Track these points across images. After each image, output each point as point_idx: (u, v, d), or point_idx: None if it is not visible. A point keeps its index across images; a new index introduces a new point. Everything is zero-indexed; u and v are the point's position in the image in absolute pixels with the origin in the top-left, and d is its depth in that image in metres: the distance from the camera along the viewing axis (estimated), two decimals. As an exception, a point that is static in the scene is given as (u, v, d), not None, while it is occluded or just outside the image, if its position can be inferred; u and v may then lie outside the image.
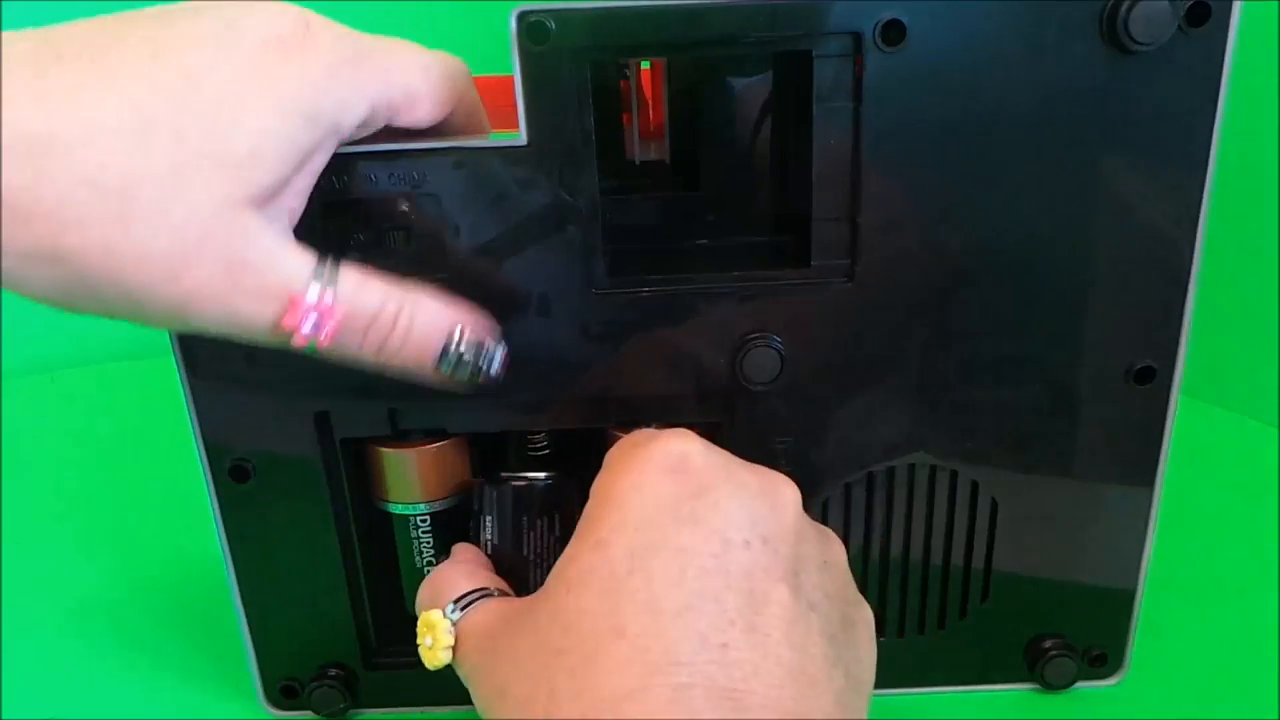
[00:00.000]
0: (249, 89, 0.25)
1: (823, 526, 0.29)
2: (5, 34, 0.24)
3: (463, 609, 0.30)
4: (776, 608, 0.24)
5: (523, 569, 0.35)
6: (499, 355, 0.31)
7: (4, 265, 0.24)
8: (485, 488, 0.35)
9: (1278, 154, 0.57)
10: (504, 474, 0.35)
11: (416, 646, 0.39)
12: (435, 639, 0.30)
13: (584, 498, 0.32)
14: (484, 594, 0.30)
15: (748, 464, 0.28)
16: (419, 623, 0.31)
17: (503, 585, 0.32)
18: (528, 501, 0.35)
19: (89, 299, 0.26)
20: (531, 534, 0.35)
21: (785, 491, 0.27)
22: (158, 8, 0.27)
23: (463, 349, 0.30)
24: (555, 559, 0.35)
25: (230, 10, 0.26)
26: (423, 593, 0.32)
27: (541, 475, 0.35)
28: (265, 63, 0.26)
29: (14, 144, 0.23)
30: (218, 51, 0.25)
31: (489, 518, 0.35)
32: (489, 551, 0.35)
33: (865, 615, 0.29)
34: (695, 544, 0.25)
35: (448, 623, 0.30)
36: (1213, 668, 0.41)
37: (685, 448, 0.27)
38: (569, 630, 0.25)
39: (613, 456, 0.28)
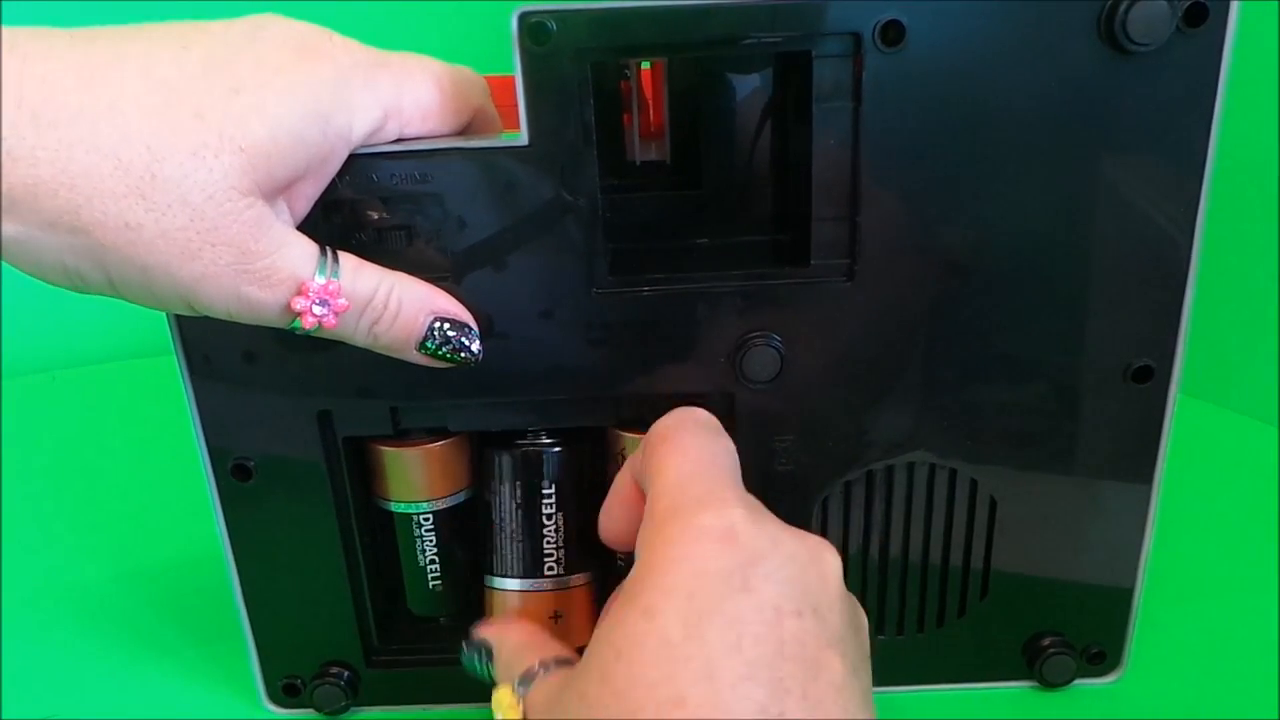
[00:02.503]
0: (269, 82, 0.27)
1: (847, 592, 0.28)
2: (48, 29, 0.26)
3: (528, 683, 0.30)
4: (829, 674, 0.24)
5: (535, 535, 0.36)
6: (477, 336, 0.32)
7: (24, 234, 0.25)
8: (497, 454, 0.36)
9: (1278, 153, 0.58)
10: (517, 441, 0.36)
11: (417, 644, 0.40)
12: (505, 716, 0.30)
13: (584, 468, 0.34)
14: (544, 667, 0.31)
15: (789, 529, 0.27)
16: (493, 698, 0.32)
17: (566, 653, 0.32)
18: (538, 467, 0.35)
19: (99, 276, 0.26)
20: (543, 500, 0.36)
21: (829, 560, 0.27)
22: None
23: (446, 329, 0.31)
24: (565, 526, 0.35)
25: (260, 19, 0.28)
26: (497, 661, 0.33)
27: (549, 442, 0.36)
28: (286, 61, 0.27)
29: (43, 113, 0.24)
30: (243, 47, 0.27)
31: (504, 485, 0.36)
32: (501, 519, 0.35)
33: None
34: (749, 612, 0.24)
35: (515, 698, 0.30)
36: (1211, 666, 0.41)
37: (733, 518, 0.26)
38: (622, 698, 0.24)
39: (659, 515, 0.27)
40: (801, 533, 0.27)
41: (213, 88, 0.26)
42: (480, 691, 0.39)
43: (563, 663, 0.31)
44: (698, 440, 0.29)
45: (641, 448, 0.30)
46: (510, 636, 0.34)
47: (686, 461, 0.28)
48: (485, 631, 0.35)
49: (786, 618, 0.24)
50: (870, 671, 0.27)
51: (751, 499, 0.28)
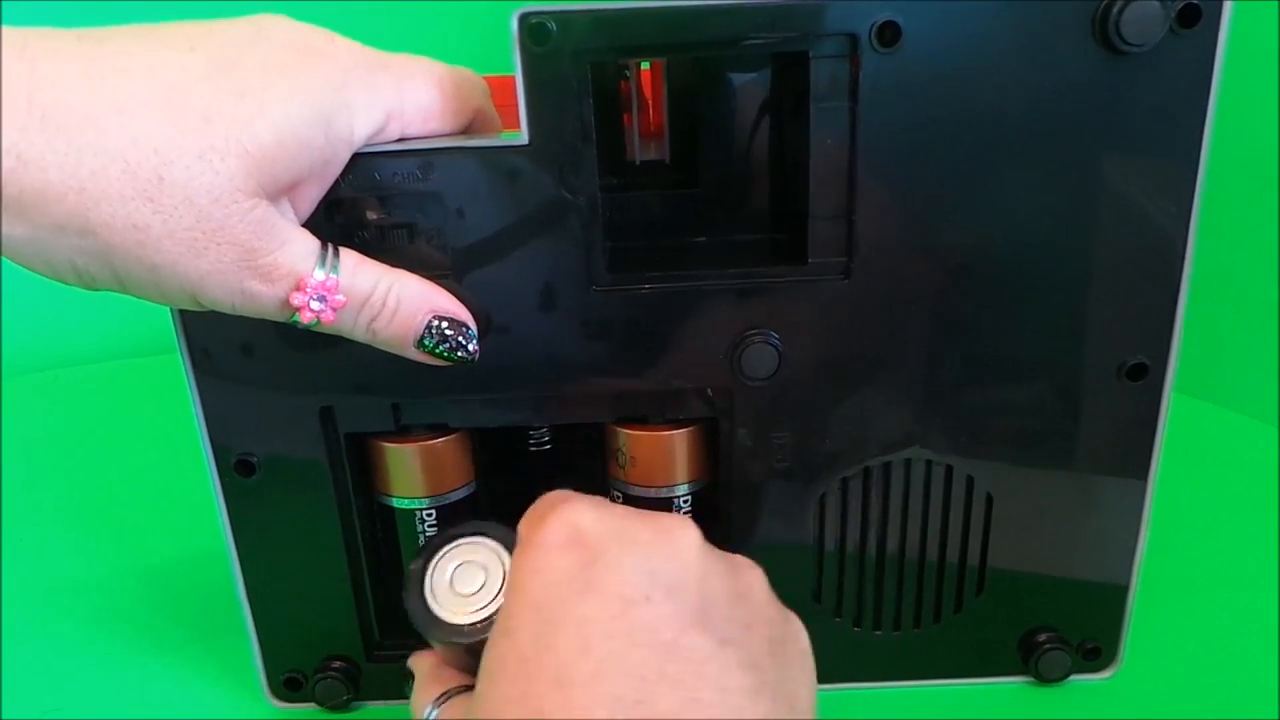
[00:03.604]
0: (274, 84, 0.27)
1: (734, 556, 0.28)
2: (54, 29, 0.26)
3: (437, 706, 0.31)
4: (687, 653, 0.24)
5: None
6: (475, 335, 0.32)
7: (34, 236, 0.25)
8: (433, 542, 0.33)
9: (1277, 152, 0.58)
10: (451, 532, 0.33)
11: (418, 639, 0.40)
12: None
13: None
14: (446, 697, 0.32)
15: (645, 515, 0.27)
16: None
17: (470, 681, 0.31)
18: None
19: (108, 274, 0.27)
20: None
21: (681, 535, 0.26)
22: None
23: (444, 328, 0.31)
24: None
25: (262, 19, 0.28)
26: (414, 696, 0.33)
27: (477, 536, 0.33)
28: (289, 62, 0.27)
29: (52, 115, 0.25)
30: (247, 49, 0.27)
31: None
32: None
33: (794, 630, 0.28)
34: (595, 611, 0.24)
35: None
36: (1206, 662, 0.41)
37: (577, 518, 0.26)
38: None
39: (521, 532, 0.28)
40: (655, 515, 0.27)
41: (218, 90, 0.26)
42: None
43: (465, 691, 0.31)
44: (547, 496, 0.29)
45: None
46: (419, 666, 0.34)
47: (536, 505, 0.28)
48: (411, 660, 0.35)
49: (634, 606, 0.24)
50: (772, 633, 0.27)
51: (603, 499, 0.28)
